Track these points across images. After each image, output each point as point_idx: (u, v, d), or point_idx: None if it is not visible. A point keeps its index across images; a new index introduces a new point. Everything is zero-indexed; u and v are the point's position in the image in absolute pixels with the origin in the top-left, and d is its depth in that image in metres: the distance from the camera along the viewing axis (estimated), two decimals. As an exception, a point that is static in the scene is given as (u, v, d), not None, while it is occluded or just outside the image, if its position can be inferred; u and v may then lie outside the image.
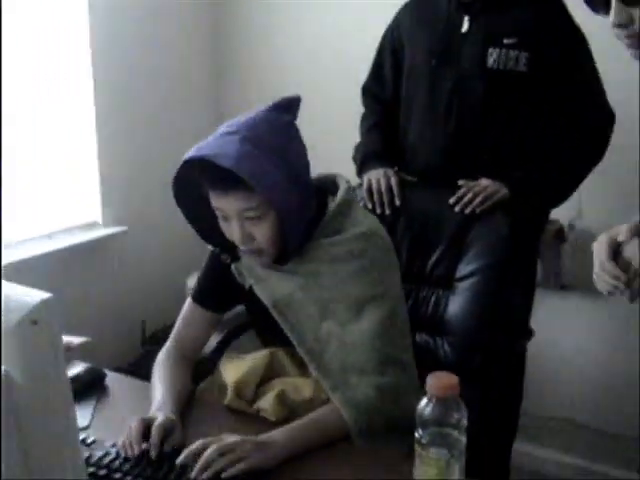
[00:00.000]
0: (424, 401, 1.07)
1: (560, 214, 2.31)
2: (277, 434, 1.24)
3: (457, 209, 1.81)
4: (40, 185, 2.45)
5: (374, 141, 2.08)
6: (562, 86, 1.86)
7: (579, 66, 1.86)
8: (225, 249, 1.46)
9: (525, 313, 2.04)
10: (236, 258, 1.45)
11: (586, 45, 1.87)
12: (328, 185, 1.45)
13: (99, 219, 2.61)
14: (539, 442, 2.53)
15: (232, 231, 1.36)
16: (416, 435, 1.07)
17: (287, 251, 1.39)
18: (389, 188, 1.86)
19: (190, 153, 1.31)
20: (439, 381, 1.06)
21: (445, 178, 1.91)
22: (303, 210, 1.36)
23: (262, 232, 1.35)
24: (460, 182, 1.86)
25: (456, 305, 1.80)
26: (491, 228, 1.80)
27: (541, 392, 2.45)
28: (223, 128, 1.34)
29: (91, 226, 2.60)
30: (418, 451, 1.07)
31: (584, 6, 1.88)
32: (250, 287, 1.45)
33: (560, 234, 2.35)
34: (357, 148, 2.09)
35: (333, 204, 1.40)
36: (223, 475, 1.13)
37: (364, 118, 2.13)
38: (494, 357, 1.74)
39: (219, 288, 1.52)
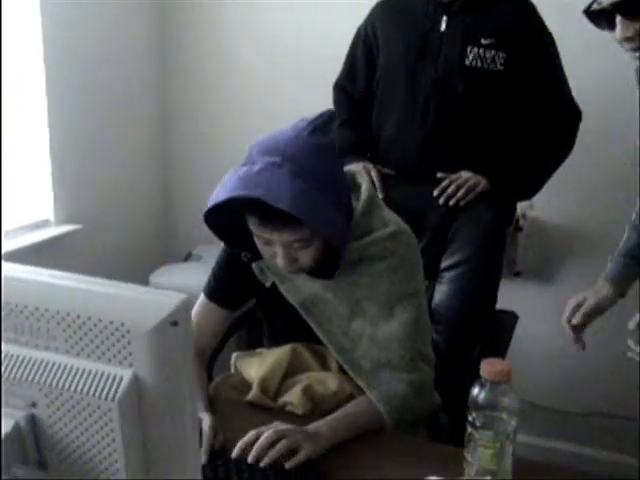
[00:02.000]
0: (477, 386, 1.12)
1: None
2: (322, 426, 1.26)
3: (441, 201, 1.87)
4: (-10, 182, 2.33)
5: (347, 136, 2.11)
6: (535, 85, 1.95)
7: (550, 66, 1.97)
8: (245, 248, 1.45)
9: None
10: (257, 256, 1.44)
11: (555, 47, 1.98)
12: (349, 183, 1.45)
13: (51, 217, 2.51)
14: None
15: (274, 252, 1.34)
16: (469, 418, 1.12)
17: (330, 266, 1.39)
18: (370, 181, 1.90)
19: (237, 189, 1.23)
20: (493, 367, 1.11)
21: (421, 171, 1.97)
22: (348, 229, 1.36)
23: (308, 256, 1.34)
24: (440, 175, 1.92)
25: (443, 295, 1.87)
26: (474, 219, 1.88)
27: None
28: (264, 155, 1.26)
29: (43, 224, 2.50)
30: (472, 434, 1.12)
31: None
32: (271, 285, 1.45)
33: (516, 223, 2.46)
34: None
35: (358, 204, 1.41)
36: (287, 465, 1.14)
37: (336, 114, 2.16)
38: (480, 343, 1.83)
39: (235, 285, 1.51)
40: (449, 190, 1.88)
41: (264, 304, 1.55)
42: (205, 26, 2.89)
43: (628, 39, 1.26)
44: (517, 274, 2.55)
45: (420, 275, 1.47)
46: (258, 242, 1.36)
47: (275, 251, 1.33)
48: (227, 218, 1.36)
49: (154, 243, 3.01)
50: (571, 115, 2.01)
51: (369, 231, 1.40)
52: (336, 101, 2.18)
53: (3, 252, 2.30)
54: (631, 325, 1.47)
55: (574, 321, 1.55)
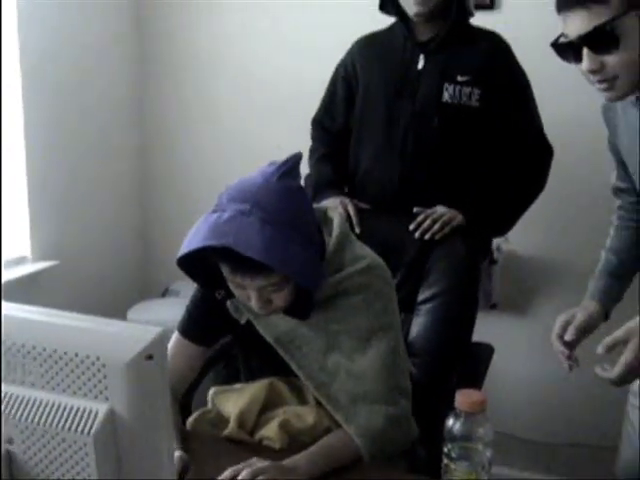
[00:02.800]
0: (452, 417, 1.13)
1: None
2: (300, 460, 1.26)
3: (417, 235, 1.90)
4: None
5: (325, 171, 2.14)
6: (508, 121, 2.00)
7: (523, 104, 2.02)
8: (219, 287, 1.45)
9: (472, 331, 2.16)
10: (231, 294, 1.44)
11: (529, 84, 2.03)
12: (321, 219, 1.47)
13: (28, 254, 2.51)
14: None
15: (248, 297, 1.35)
16: (445, 449, 1.13)
17: (303, 306, 1.40)
18: (347, 216, 1.93)
19: (207, 239, 1.25)
20: (468, 398, 1.13)
21: (398, 205, 2.00)
22: (319, 266, 1.37)
23: (282, 299, 1.35)
24: (416, 209, 1.96)
25: (420, 327, 1.88)
26: (449, 253, 1.90)
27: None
28: (232, 203, 1.29)
29: (19, 261, 2.49)
30: (448, 465, 1.13)
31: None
32: (247, 322, 1.46)
33: (491, 257, 2.49)
34: (307, 179, 2.15)
35: (331, 240, 1.42)
36: None
37: (313, 150, 2.19)
38: (456, 374, 1.84)
39: (210, 321, 1.51)
40: (425, 224, 1.90)
41: (240, 340, 1.56)
42: (184, 66, 2.94)
43: (594, 72, 1.30)
44: (493, 306, 2.58)
45: (395, 308, 1.49)
46: (232, 286, 1.37)
47: (249, 294, 1.35)
48: (200, 262, 1.37)
49: (131, 279, 3.01)
50: (543, 152, 2.06)
51: (341, 267, 1.42)
52: (314, 136, 2.22)
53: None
54: (600, 349, 1.46)
55: (567, 337, 1.54)
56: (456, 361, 1.85)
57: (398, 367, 1.43)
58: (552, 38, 2.37)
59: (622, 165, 1.60)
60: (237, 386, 1.51)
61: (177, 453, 1.25)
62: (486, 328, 2.50)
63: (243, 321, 1.46)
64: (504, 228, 2.12)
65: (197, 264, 1.38)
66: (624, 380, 1.33)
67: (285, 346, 1.42)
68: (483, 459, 1.13)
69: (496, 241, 2.54)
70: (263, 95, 2.82)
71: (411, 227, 1.91)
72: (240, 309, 1.46)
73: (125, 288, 2.94)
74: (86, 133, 2.72)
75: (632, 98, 1.41)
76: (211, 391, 1.53)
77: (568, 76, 2.36)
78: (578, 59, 1.32)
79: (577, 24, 1.28)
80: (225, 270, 1.33)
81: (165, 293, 2.82)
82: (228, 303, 1.47)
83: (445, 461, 1.14)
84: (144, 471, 0.77)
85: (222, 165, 2.86)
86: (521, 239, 2.53)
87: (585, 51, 1.29)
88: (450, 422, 1.13)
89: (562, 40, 1.34)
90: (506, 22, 2.37)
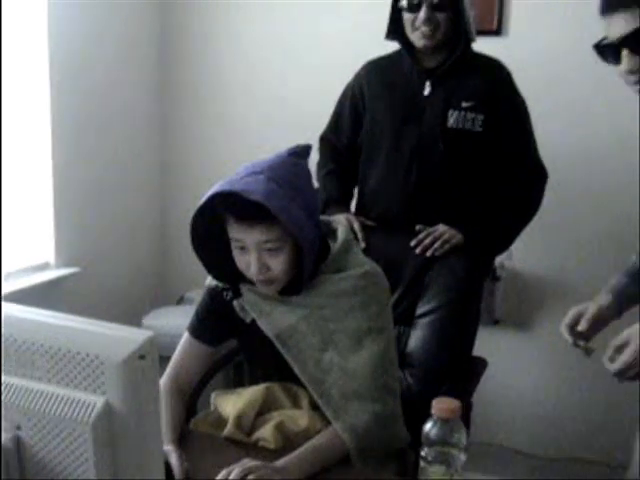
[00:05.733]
0: (430, 423, 1.21)
1: (493, 255, 2.55)
2: (290, 460, 1.35)
3: (418, 251, 2.00)
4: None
5: (332, 188, 2.24)
6: (508, 146, 2.09)
7: (522, 130, 2.11)
8: (228, 283, 1.58)
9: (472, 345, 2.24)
10: (238, 294, 1.56)
11: (528, 112, 2.12)
12: (325, 229, 1.59)
13: (51, 260, 2.64)
14: (479, 469, 2.72)
15: (248, 261, 1.47)
16: (422, 453, 1.22)
17: (299, 282, 1.52)
18: (352, 231, 2.02)
19: (218, 188, 1.43)
20: (444, 405, 1.21)
21: (403, 224, 2.09)
22: (316, 243, 1.50)
23: (278, 263, 1.47)
24: (418, 227, 2.05)
25: (417, 340, 1.97)
26: (448, 269, 1.99)
27: (476, 420, 2.64)
28: (247, 169, 1.46)
29: (43, 267, 2.62)
30: (425, 468, 1.22)
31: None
32: (251, 321, 1.56)
33: (494, 274, 2.57)
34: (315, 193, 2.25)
35: (337, 243, 1.55)
36: None
37: (321, 165, 2.29)
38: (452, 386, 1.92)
39: (217, 323, 1.63)
40: (426, 242, 2.00)
41: (244, 342, 1.66)
42: (206, 84, 3.06)
43: (632, 72, 1.38)
44: (496, 322, 2.65)
45: (389, 314, 1.59)
46: (236, 253, 1.49)
47: (249, 260, 1.46)
48: (214, 246, 1.52)
49: (148, 286, 3.13)
50: (538, 175, 2.14)
51: (343, 267, 1.53)
52: (322, 153, 2.31)
53: (4, 293, 2.42)
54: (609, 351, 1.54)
55: (580, 327, 1.58)
56: (451, 373, 1.93)
57: (388, 369, 1.52)
58: (556, 63, 2.48)
59: None
60: (238, 390, 1.61)
61: (177, 452, 1.35)
62: (489, 343, 2.58)
63: (248, 320, 1.56)
64: (502, 247, 2.20)
65: (211, 251, 1.54)
66: (623, 375, 1.44)
67: (284, 342, 1.51)
68: (457, 463, 1.22)
69: (499, 259, 2.61)
70: (283, 112, 2.93)
71: (412, 243, 2.01)
72: (245, 308, 1.56)
73: (142, 295, 3.06)
74: (110, 144, 2.85)
75: None
76: (214, 394, 1.64)
77: (571, 99, 2.48)
78: (618, 60, 1.39)
79: (619, 26, 1.35)
80: (230, 227, 1.46)
81: (180, 301, 2.93)
82: (235, 303, 1.57)
83: (422, 464, 1.22)
84: (135, 456, 0.86)
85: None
86: (524, 257, 2.61)
87: (625, 52, 1.36)
88: (427, 427, 1.21)
89: (605, 42, 1.40)
90: (511, 48, 2.46)
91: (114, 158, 2.88)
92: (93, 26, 2.70)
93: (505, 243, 2.19)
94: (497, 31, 2.52)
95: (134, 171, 3.01)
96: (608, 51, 1.41)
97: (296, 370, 1.51)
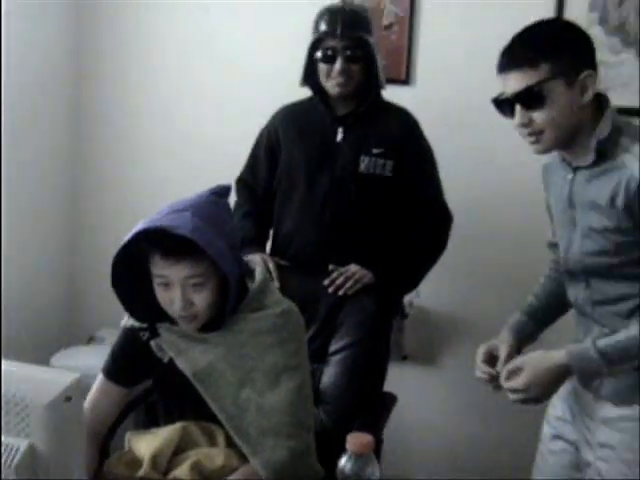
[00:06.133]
0: (344, 457, 1.26)
1: (402, 293, 2.64)
2: None
3: (330, 290, 2.07)
4: None
5: (248, 228, 2.29)
6: (416, 191, 2.20)
7: (430, 175, 2.23)
8: (147, 322, 1.59)
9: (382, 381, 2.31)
10: (155, 334, 1.58)
11: (434, 157, 2.24)
12: (244, 267, 1.64)
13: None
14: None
15: (172, 297, 1.50)
16: (338, 488, 1.26)
17: (219, 319, 1.55)
18: (267, 271, 2.07)
19: (144, 224, 1.47)
20: (357, 440, 1.26)
21: (317, 264, 2.16)
22: (237, 278, 1.55)
23: (202, 298, 1.51)
24: (331, 267, 2.12)
25: (330, 377, 2.03)
26: (359, 308, 2.07)
27: (386, 455, 2.70)
28: (171, 207, 1.51)
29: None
30: (341, 502, 1.26)
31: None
32: (168, 361, 1.57)
33: (402, 311, 2.66)
34: None
35: (255, 283, 1.60)
36: None
37: (237, 206, 2.33)
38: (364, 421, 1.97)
39: (132, 364, 1.63)
40: (338, 281, 2.07)
41: (160, 382, 1.66)
42: (119, 131, 3.05)
43: (523, 125, 1.52)
44: (404, 358, 2.75)
45: (305, 351, 1.65)
46: (158, 290, 1.52)
47: (173, 296, 1.50)
48: (134, 286, 1.55)
49: (57, 325, 3.05)
50: (444, 219, 2.26)
51: (263, 306, 1.59)
52: (239, 194, 2.35)
53: None
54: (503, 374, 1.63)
55: (498, 369, 1.65)
56: (362, 409, 1.99)
57: (303, 405, 1.57)
58: (460, 109, 2.62)
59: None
60: (153, 430, 1.61)
61: None
62: (398, 379, 2.66)
63: (166, 359, 1.58)
64: (410, 286, 2.30)
65: (130, 289, 1.55)
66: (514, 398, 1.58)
67: (202, 380, 1.54)
68: (372, 495, 1.27)
69: (408, 297, 2.71)
70: (198, 156, 2.93)
71: (325, 282, 2.08)
72: (163, 348, 1.58)
73: (50, 334, 2.98)
74: (18, 176, 2.77)
75: (559, 158, 1.62)
76: (128, 434, 1.63)
77: (475, 145, 2.62)
78: (512, 114, 1.53)
79: (512, 84, 1.51)
80: (155, 264, 1.49)
81: (90, 340, 2.87)
82: (152, 343, 1.59)
83: (339, 498, 1.26)
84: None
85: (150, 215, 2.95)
86: (431, 296, 2.71)
87: (517, 107, 1.52)
88: (342, 462, 1.26)
89: (500, 97, 1.55)
90: (419, 96, 2.59)
91: (22, 188, 2.79)
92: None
93: (413, 283, 2.29)
94: (406, 80, 2.65)
95: (43, 202, 2.94)
96: (504, 105, 1.55)
97: (213, 408, 1.53)
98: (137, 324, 1.62)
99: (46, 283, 3.00)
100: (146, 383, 1.71)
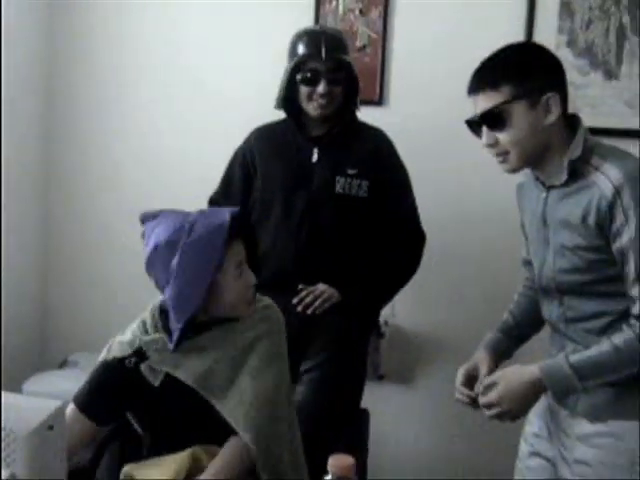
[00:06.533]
0: (327, 480, 1.26)
1: (377, 313, 2.65)
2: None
3: (299, 309, 2.09)
4: None
5: None
6: (391, 211, 2.22)
7: (404, 196, 2.25)
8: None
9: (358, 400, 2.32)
10: (143, 358, 1.56)
11: (408, 178, 2.26)
12: None
13: None
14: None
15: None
16: (320, 511, 1.26)
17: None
18: None
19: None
20: (338, 461, 1.26)
21: (293, 283, 2.17)
22: None
23: None
24: (300, 286, 2.13)
25: (302, 396, 2.06)
26: (329, 326, 2.11)
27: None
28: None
29: None
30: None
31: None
32: (161, 384, 1.56)
33: (378, 330, 2.67)
34: None
35: None
36: None
37: None
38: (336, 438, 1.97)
39: (111, 397, 1.59)
40: (307, 300, 2.09)
41: (148, 411, 1.63)
42: (91, 156, 3.04)
43: (490, 145, 1.57)
44: (381, 377, 2.75)
45: (285, 344, 1.70)
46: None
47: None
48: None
49: (28, 349, 3.00)
50: (418, 239, 2.28)
51: None
52: None
53: None
54: (479, 388, 1.66)
55: (477, 390, 1.67)
56: (338, 426, 1.99)
57: (288, 388, 1.67)
58: (432, 130, 2.66)
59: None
60: (155, 459, 1.56)
61: None
62: (374, 398, 2.67)
63: (157, 382, 1.56)
64: (380, 304, 2.33)
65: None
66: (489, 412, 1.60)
67: (203, 386, 1.55)
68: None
69: (384, 316, 2.72)
70: (172, 176, 2.95)
71: (294, 301, 2.10)
72: (155, 369, 1.56)
73: (22, 359, 2.93)
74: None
75: (533, 177, 1.64)
76: (126, 467, 1.57)
77: (446, 166, 2.66)
78: (481, 135, 1.58)
79: (479, 105, 1.56)
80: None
81: (63, 364, 2.83)
82: (142, 367, 1.57)
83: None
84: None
85: (122, 236, 2.91)
86: (408, 315, 2.73)
87: (484, 128, 1.57)
88: (325, 486, 1.26)
89: (472, 118, 1.60)
90: (392, 117, 2.63)
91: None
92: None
93: (384, 300, 2.32)
94: (379, 101, 2.67)
95: (14, 228, 2.91)
96: (474, 126, 1.60)
97: (218, 407, 1.54)
98: (120, 355, 1.59)
99: (16, 306, 2.96)
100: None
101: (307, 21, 2.64)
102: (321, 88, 2.10)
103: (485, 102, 1.54)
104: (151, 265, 1.56)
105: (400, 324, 2.75)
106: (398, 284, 2.28)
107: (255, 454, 1.52)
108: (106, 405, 1.59)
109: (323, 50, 2.09)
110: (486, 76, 1.55)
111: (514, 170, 1.61)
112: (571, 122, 1.58)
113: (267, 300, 1.70)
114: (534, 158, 1.57)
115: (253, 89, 2.74)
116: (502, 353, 1.79)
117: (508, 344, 1.81)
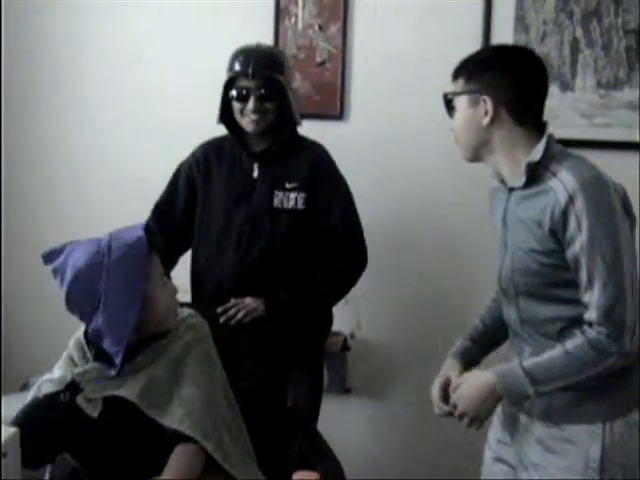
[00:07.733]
0: (291, 497, 1.25)
1: (343, 326, 2.65)
2: None
3: (221, 320, 2.12)
4: None
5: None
6: (329, 223, 2.23)
7: (342, 206, 2.25)
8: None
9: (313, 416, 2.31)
10: (77, 391, 1.54)
11: (349, 191, 2.28)
12: None
13: None
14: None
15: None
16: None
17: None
18: None
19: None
20: (304, 478, 1.26)
21: (233, 295, 2.17)
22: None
23: None
24: (232, 300, 2.15)
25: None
26: (256, 339, 2.11)
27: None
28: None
29: None
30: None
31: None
32: (100, 414, 1.53)
33: (345, 344, 2.67)
34: None
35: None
36: None
37: None
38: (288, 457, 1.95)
39: (43, 438, 1.52)
40: (230, 312, 2.12)
41: (83, 448, 1.60)
42: (49, 164, 3.00)
43: (451, 129, 1.66)
44: (347, 391, 2.75)
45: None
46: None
47: None
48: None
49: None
50: (357, 250, 2.27)
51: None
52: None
53: None
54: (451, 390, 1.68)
55: (459, 408, 1.65)
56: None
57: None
58: (393, 142, 2.68)
59: None
60: None
61: None
62: (341, 412, 2.67)
63: (96, 413, 1.53)
64: (316, 315, 2.31)
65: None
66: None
67: (147, 400, 1.55)
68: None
69: (350, 329, 2.73)
70: (108, 183, 2.94)
71: (218, 310, 2.13)
72: (92, 399, 1.54)
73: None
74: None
75: (499, 179, 1.67)
76: None
77: (407, 179, 2.68)
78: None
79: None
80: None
81: (24, 387, 2.77)
82: (78, 398, 1.54)
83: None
84: None
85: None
86: (373, 327, 2.74)
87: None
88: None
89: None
90: (353, 131, 2.65)
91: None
92: None
93: (319, 311, 2.32)
94: (340, 116, 2.68)
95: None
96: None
97: (161, 421, 1.54)
98: (53, 390, 1.57)
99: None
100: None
101: (267, 38, 2.64)
102: (250, 104, 2.15)
103: (450, 88, 1.65)
104: (72, 298, 1.56)
105: (366, 337, 2.75)
106: (335, 295, 2.29)
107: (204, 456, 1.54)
108: (36, 446, 1.48)
109: (252, 67, 2.15)
110: (457, 67, 1.65)
111: (464, 157, 1.68)
112: (543, 129, 1.61)
113: (187, 310, 1.75)
114: (475, 153, 1.64)
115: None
116: (470, 361, 1.80)
117: (477, 351, 1.82)
